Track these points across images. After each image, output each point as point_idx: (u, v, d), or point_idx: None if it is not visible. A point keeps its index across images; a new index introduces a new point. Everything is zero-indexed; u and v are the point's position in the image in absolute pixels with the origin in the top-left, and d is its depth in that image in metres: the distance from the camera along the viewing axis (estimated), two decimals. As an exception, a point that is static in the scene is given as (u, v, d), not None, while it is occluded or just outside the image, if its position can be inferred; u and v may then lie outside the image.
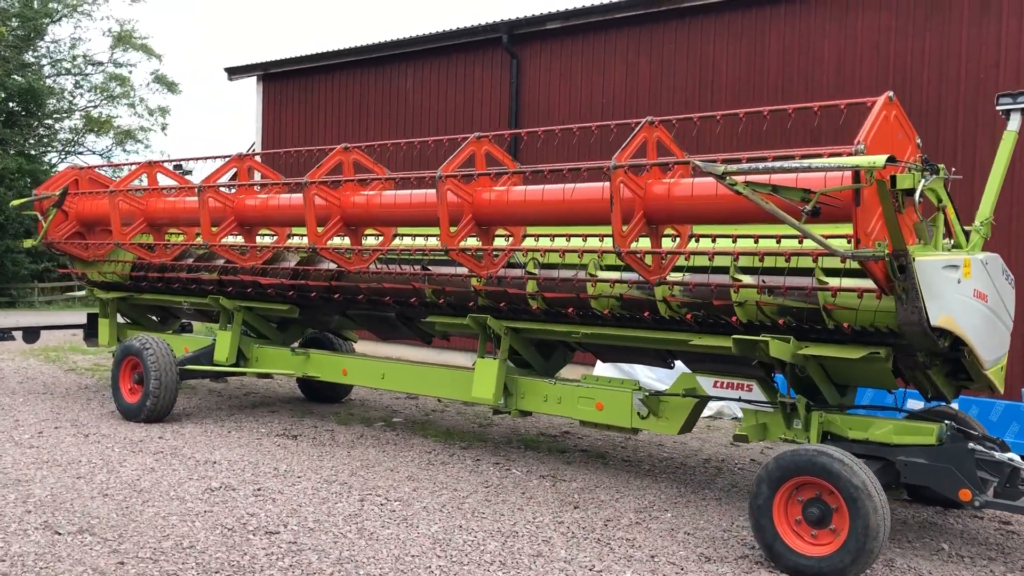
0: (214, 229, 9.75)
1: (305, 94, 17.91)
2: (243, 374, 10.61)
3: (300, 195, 9.31)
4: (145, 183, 10.95)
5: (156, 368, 9.57)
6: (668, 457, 8.84)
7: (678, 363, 8.02)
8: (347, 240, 8.86)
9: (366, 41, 17.46)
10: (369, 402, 11.77)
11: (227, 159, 10.08)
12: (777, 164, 5.72)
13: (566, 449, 8.99)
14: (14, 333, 12.08)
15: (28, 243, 12.01)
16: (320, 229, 8.63)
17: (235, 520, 6.16)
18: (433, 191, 8.12)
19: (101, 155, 35.37)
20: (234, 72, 18.90)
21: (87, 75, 34.30)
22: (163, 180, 11.29)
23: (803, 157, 6.05)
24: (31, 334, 12.30)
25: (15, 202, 11.95)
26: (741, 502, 7.16)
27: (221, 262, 10.74)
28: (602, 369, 12.08)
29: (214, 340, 10.63)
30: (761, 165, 5.77)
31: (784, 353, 6.23)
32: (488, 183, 7.94)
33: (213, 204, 9.71)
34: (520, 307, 7.93)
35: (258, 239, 10.01)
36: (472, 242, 7.85)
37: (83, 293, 32.05)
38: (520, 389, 8.16)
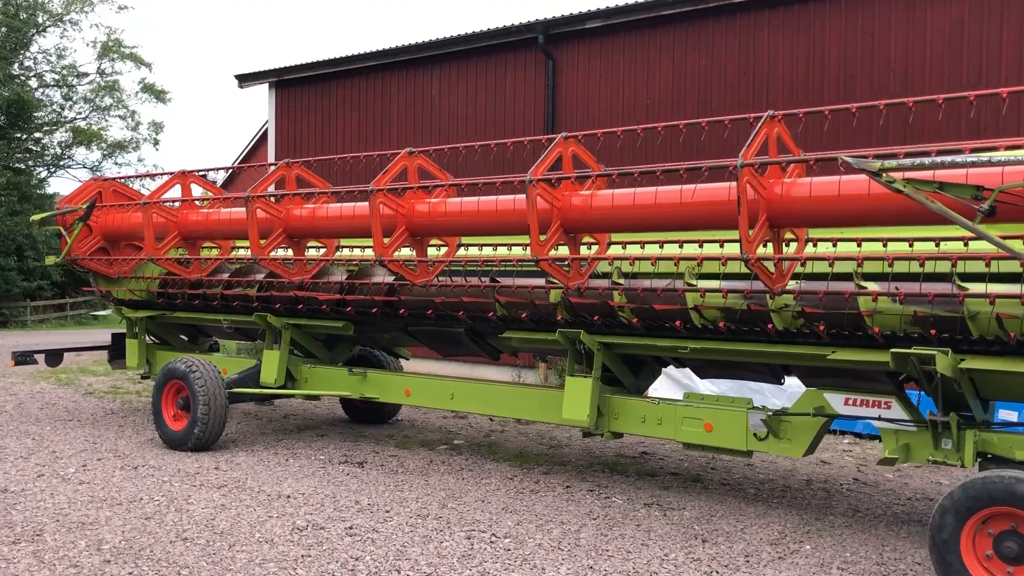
0: (262, 242, 9.10)
1: (321, 102, 17.26)
2: (295, 396, 9.94)
3: (356, 204, 8.70)
4: (166, 195, 10.26)
5: (204, 392, 8.88)
6: (767, 478, 8.24)
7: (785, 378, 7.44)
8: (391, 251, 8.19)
9: (388, 44, 16.79)
10: (418, 422, 11.11)
11: (273, 168, 9.42)
12: (948, 159, 5.16)
13: (655, 472, 8.38)
14: (36, 356, 11.33)
15: (51, 260, 11.27)
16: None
17: (340, 566, 5.50)
18: (510, 197, 7.52)
19: (91, 169, 34.48)
20: (245, 79, 18.21)
21: (74, 86, 33.41)
22: (186, 191, 10.61)
23: (974, 151, 5.49)
24: (54, 357, 11.55)
25: (36, 216, 11.21)
26: (875, 528, 6.57)
27: (259, 276, 10.10)
28: (663, 386, 11.50)
29: (259, 361, 9.95)
30: (927, 160, 5.21)
31: (947, 367, 5.65)
32: (574, 188, 7.36)
33: (261, 215, 9.06)
34: (615, 320, 7.33)
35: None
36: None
37: (79, 312, 31.17)
38: (613, 409, 7.54)
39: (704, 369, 7.69)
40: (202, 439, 8.91)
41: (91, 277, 11.49)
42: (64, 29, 33.17)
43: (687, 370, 11.28)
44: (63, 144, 33.47)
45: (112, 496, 7.09)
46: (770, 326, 6.58)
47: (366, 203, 8.53)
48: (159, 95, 35.15)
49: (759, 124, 6.32)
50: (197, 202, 10.28)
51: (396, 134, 15.97)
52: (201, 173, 12.49)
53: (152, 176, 11.19)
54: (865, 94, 11.08)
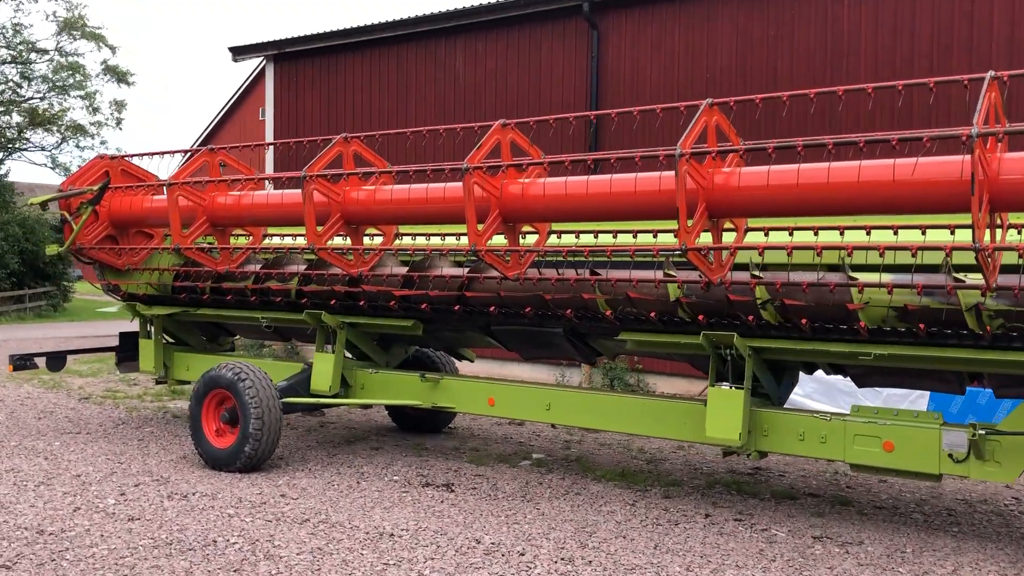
0: (319, 229, 7.85)
1: (328, 76, 15.89)
2: (355, 406, 8.74)
3: (428, 186, 7.49)
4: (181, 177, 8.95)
5: (257, 404, 7.60)
6: (921, 499, 7.22)
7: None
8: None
9: (406, 14, 15.41)
10: (475, 431, 9.92)
11: (330, 143, 8.13)
12: None
13: (791, 493, 7.31)
14: (36, 360, 9.91)
15: (53, 250, 9.83)
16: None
17: (517, 640, 4.32)
18: (652, 175, 6.37)
19: (47, 152, 32.48)
20: (240, 52, 16.76)
21: (31, 63, 31.33)
22: (214, 170, 9.28)
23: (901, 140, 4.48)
24: (56, 361, 10.14)
25: (35, 199, 9.76)
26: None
27: (294, 268, 8.84)
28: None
29: (307, 366, 8.68)
30: None
31: None
32: (717, 164, 6.25)
33: (318, 199, 7.81)
34: (759, 320, 6.24)
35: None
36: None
37: (38, 304, 29.31)
38: (762, 425, 6.44)
39: (868, 377, 6.61)
40: (253, 458, 7.64)
41: (96, 269, 10.09)
42: (19, 3, 30.98)
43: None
44: (19, 126, 31.39)
45: (177, 538, 5.81)
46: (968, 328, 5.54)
47: (439, 185, 7.37)
48: (122, 76, 33.19)
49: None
50: (223, 183, 8.94)
51: (415, 112, 14.67)
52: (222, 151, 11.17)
53: (162, 154, 9.81)
54: (963, 66, 10.09)
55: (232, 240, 9.17)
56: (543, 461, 8.32)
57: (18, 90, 30.93)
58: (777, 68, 11.43)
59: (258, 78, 51.06)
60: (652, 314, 6.63)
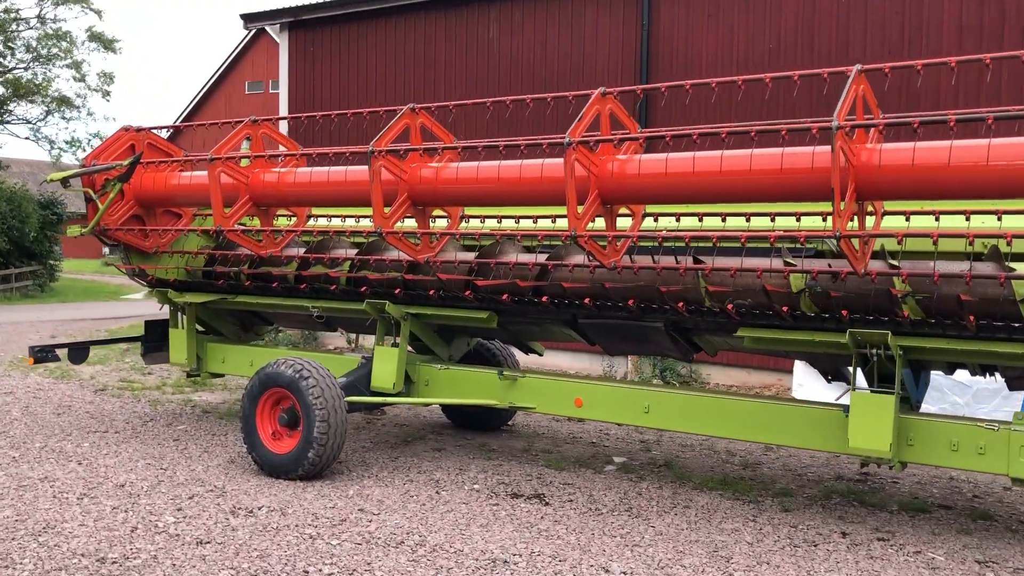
0: (386, 211, 7.08)
1: (346, 46, 14.99)
2: (424, 405, 8.00)
3: (500, 164, 6.73)
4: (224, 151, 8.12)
5: (322, 405, 6.82)
6: (1062, 511, 6.57)
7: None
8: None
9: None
10: (537, 428, 9.19)
11: (399, 114, 7.33)
12: None
13: (921, 506, 6.63)
14: (58, 352, 9.06)
15: (75, 231, 8.95)
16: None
17: None
18: (774, 151, 5.62)
19: (31, 124, 31.23)
20: (252, 19, 15.82)
21: (13, 32, 30.01)
22: (257, 144, 8.44)
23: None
24: (78, 353, 9.29)
25: (55, 175, 8.84)
26: None
27: (342, 252, 8.08)
28: (809, 382, 9.80)
29: (364, 360, 7.90)
30: None
31: None
32: (862, 139, 5.51)
33: (385, 177, 7.02)
34: (898, 315, 5.55)
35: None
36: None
37: (25, 285, 28.23)
38: (908, 433, 5.74)
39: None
40: (317, 465, 6.87)
41: (121, 252, 9.24)
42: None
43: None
44: (2, 98, 30.11)
45: (261, 568, 5.04)
46: None
47: (534, 162, 6.60)
48: (108, 44, 31.92)
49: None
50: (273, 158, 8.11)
51: (443, 85, 13.82)
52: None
53: (195, 126, 8.95)
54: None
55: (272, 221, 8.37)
56: (628, 466, 7.61)
57: (1, 60, 29.65)
58: (849, 40, 10.68)
59: (243, 52, 50.04)
60: (785, 309, 5.90)
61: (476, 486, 6.86)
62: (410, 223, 7.59)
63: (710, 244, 6.08)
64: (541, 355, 8.66)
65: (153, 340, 9.56)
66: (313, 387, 6.87)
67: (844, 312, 5.69)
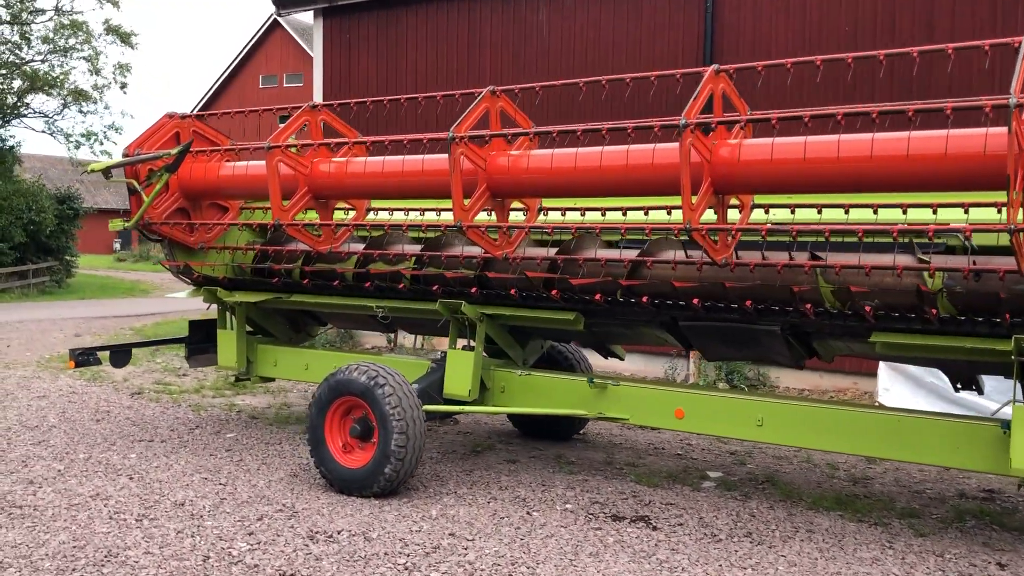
0: (466, 203, 6.46)
1: (384, 31, 14.33)
2: (511, 413, 7.43)
3: (597, 149, 6.09)
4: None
5: (400, 415, 6.20)
6: None
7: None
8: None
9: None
10: (610, 437, 8.56)
11: (479, 96, 6.69)
12: None
13: (1067, 527, 5.99)
14: (99, 355, 8.46)
15: (117, 225, 8.32)
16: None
17: None
18: (938, 133, 4.96)
19: (48, 118, 30.59)
20: (285, 4, 15.16)
21: (29, 23, 29.39)
22: (315, 131, 7.81)
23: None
24: (120, 356, 8.69)
25: (96, 165, 8.20)
26: None
27: (402, 248, 7.49)
28: (896, 387, 9.16)
29: (435, 365, 7.28)
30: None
31: None
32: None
33: (465, 166, 6.39)
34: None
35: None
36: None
37: (42, 280, 27.69)
38: (1071, 450, 5.09)
39: None
40: (394, 481, 6.26)
41: (165, 247, 8.62)
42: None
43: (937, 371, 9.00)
44: (19, 91, 29.50)
45: (360, 607, 4.42)
46: None
47: (642, 147, 5.94)
48: (125, 38, 31.27)
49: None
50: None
51: (489, 71, 13.18)
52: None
53: (246, 113, 8.32)
54: None
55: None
56: (728, 482, 6.97)
57: (17, 52, 29.03)
58: (935, 17, 10.00)
59: (256, 46, 49.48)
60: (934, 312, 5.25)
61: (568, 506, 6.24)
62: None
63: (821, 239, 5.49)
64: (622, 359, 8.04)
65: (198, 341, 8.94)
66: (390, 396, 6.25)
67: (1007, 316, 5.04)
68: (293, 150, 7.32)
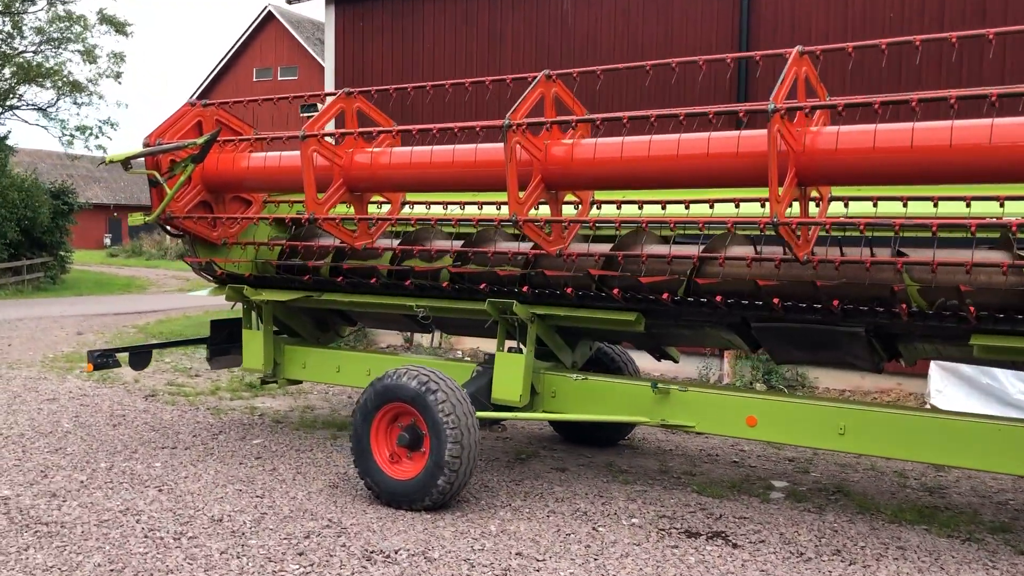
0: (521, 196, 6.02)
1: (400, 21, 13.88)
2: (571, 420, 7.03)
3: (655, 137, 5.68)
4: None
5: (454, 423, 5.76)
6: None
7: None
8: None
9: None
10: (659, 444, 8.15)
11: (534, 81, 6.26)
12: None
13: None
14: (118, 357, 7.99)
15: (138, 219, 7.86)
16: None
17: None
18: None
19: (43, 110, 29.98)
20: (296, -7, 14.66)
21: (21, 14, 28.76)
22: (350, 120, 7.37)
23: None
24: (140, 358, 8.23)
25: (115, 156, 7.71)
26: None
27: (438, 244, 7.09)
28: (949, 388, 8.78)
29: (480, 368, 6.85)
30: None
31: None
32: None
33: (522, 156, 5.97)
34: None
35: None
36: None
37: (36, 276, 27.12)
38: None
39: None
40: (447, 493, 5.83)
41: (186, 243, 8.16)
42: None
43: (992, 369, 8.63)
44: (12, 82, 28.87)
45: (439, 641, 3.99)
46: None
47: (725, 134, 5.53)
48: (120, 27, 30.70)
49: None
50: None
51: (511, 61, 12.74)
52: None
53: (275, 100, 7.83)
54: None
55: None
56: (796, 492, 6.56)
57: (10, 42, 28.40)
58: (986, 4, 9.61)
59: (250, 39, 48.80)
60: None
61: (635, 520, 5.82)
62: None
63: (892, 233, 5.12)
64: (677, 361, 7.62)
65: (220, 342, 8.48)
66: (443, 402, 5.82)
67: None
68: (330, 140, 6.88)
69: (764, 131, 4.99)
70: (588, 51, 12.16)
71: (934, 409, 7.45)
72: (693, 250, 6.07)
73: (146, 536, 5.31)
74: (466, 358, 13.09)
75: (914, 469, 7.24)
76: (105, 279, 31.30)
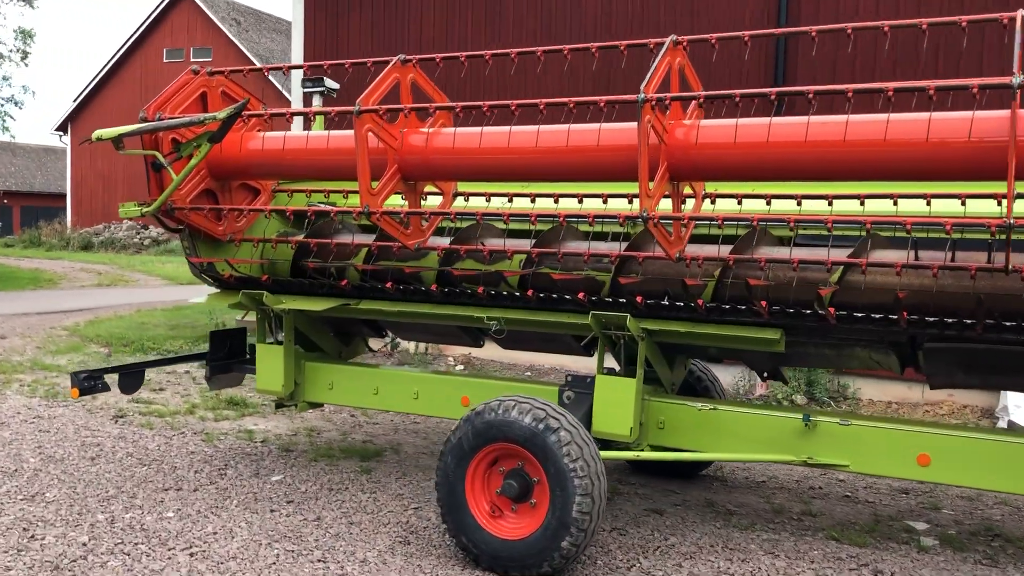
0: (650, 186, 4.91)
1: (380, -8, 12.55)
2: (709, 461, 6.00)
3: (784, 119, 4.68)
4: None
5: (583, 471, 4.62)
6: None
7: None
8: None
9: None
10: (741, 477, 7.15)
11: (661, 49, 5.14)
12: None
13: None
14: (106, 380, 6.56)
15: (132, 210, 6.40)
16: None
17: None
18: None
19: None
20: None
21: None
22: (405, 93, 6.10)
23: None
24: (131, 380, 6.80)
25: (105, 132, 6.22)
26: None
27: (496, 242, 5.96)
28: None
29: (570, 392, 5.69)
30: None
31: None
32: None
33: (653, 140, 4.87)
34: None
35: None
36: None
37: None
38: None
39: None
40: (570, 557, 4.69)
41: (186, 239, 6.75)
42: None
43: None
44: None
45: None
46: None
47: (897, 117, 4.50)
48: (26, -1, 28.14)
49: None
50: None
51: (512, 38, 11.58)
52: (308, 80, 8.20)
53: (303, 68, 6.45)
54: None
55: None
56: (947, 537, 5.63)
57: None
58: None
59: (160, 18, 46.14)
60: None
61: (748, 566, 4.78)
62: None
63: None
64: (786, 383, 6.60)
65: (221, 358, 7.11)
66: (567, 443, 4.67)
67: None
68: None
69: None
70: (597, 27, 11.12)
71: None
72: (837, 254, 5.06)
73: (207, 632, 4.02)
74: (458, 366, 11.89)
75: (956, 491, 6.42)
76: (7, 272, 28.74)
